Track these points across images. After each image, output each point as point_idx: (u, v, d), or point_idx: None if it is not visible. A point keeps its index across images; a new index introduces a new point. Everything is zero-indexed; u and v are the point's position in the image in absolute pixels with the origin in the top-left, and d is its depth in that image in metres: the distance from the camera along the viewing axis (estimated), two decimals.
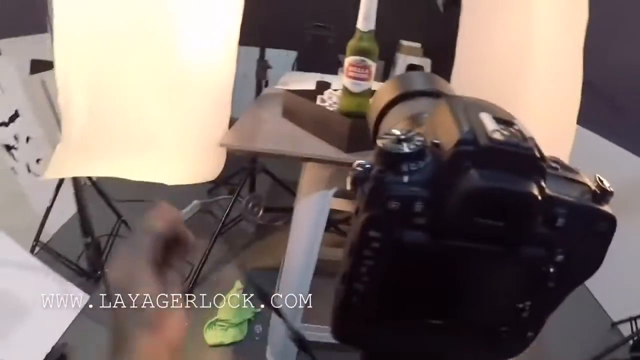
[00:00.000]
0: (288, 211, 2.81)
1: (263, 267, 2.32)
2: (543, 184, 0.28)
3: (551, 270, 0.30)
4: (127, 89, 1.40)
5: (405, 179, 0.28)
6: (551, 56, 1.69)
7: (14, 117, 2.60)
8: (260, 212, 2.48)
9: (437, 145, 0.29)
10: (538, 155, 0.28)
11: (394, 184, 0.28)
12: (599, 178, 0.31)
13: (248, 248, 2.59)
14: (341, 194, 1.69)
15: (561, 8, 1.62)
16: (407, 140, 0.29)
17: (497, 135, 0.27)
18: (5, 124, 2.53)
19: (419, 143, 0.29)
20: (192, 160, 1.59)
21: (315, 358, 0.48)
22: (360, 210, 0.30)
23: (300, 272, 1.58)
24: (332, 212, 1.68)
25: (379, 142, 0.30)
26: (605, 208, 0.30)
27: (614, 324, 2.37)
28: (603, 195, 0.30)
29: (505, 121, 0.29)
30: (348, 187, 0.31)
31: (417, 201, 0.28)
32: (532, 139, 0.28)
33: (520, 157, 0.27)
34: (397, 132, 0.30)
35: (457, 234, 0.28)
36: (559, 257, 0.30)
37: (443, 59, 2.27)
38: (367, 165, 0.30)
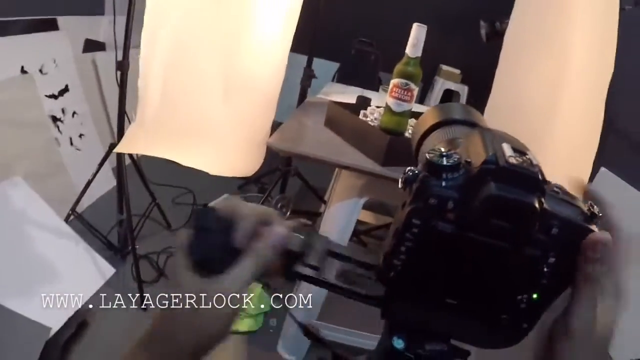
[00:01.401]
0: (314, 215, 2.92)
1: None
2: (542, 199, 0.38)
3: (545, 269, 0.39)
4: (194, 84, 1.53)
5: (443, 183, 0.39)
6: (578, 102, 1.78)
7: (64, 91, 2.71)
8: (288, 214, 2.58)
9: (468, 162, 0.39)
10: (540, 178, 0.38)
11: (434, 186, 0.39)
12: (590, 204, 0.41)
13: None
14: (369, 206, 1.77)
15: (592, 59, 1.71)
16: (447, 156, 0.39)
17: (512, 160, 0.37)
18: (55, 97, 2.65)
19: (456, 159, 0.39)
20: (236, 155, 1.69)
21: (326, 344, 0.55)
22: (407, 203, 0.40)
23: None
24: (357, 222, 1.76)
25: (427, 156, 0.40)
26: (592, 227, 0.40)
27: None
28: (592, 217, 0.40)
29: (520, 151, 0.39)
30: (400, 185, 0.42)
31: (450, 200, 0.38)
32: (537, 165, 0.38)
33: (526, 177, 0.37)
34: (442, 150, 0.40)
35: (476, 229, 0.38)
36: (551, 259, 0.39)
37: (480, 87, 2.34)
38: (416, 171, 0.40)
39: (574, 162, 1.79)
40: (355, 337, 1.86)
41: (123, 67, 2.03)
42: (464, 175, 0.39)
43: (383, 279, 0.43)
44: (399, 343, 0.46)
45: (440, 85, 3.62)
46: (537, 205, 0.37)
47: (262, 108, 1.69)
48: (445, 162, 0.39)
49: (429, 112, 0.56)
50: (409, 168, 0.41)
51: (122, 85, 2.05)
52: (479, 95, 2.16)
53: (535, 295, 0.40)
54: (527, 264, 0.39)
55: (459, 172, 0.39)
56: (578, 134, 1.80)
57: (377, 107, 1.71)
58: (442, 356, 0.46)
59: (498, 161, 0.37)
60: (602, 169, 2.70)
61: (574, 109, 1.79)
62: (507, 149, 0.39)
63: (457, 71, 3.63)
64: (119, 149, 1.71)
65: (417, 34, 1.51)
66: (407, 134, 1.60)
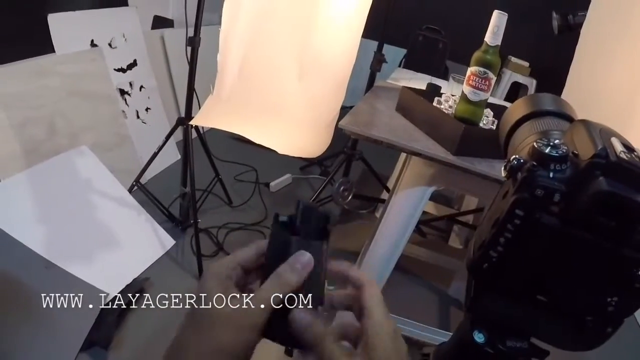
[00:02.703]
0: (375, 201, 2.90)
1: (342, 249, 2.37)
2: None
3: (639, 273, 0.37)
4: (271, 62, 1.54)
5: (551, 174, 0.37)
6: None
7: (132, 65, 2.78)
8: (350, 197, 2.57)
9: (576, 155, 0.38)
10: None
11: (542, 177, 0.37)
12: None
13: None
14: (435, 197, 1.74)
15: None
16: (555, 147, 0.38)
17: (623, 155, 0.36)
18: (123, 70, 2.72)
19: (564, 150, 0.38)
20: (305, 136, 1.70)
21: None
22: (510, 193, 0.39)
23: (383, 260, 1.65)
24: None
25: (535, 145, 0.39)
26: None
27: None
28: None
29: (629, 147, 0.38)
30: (503, 174, 0.41)
31: (557, 193, 0.37)
32: None
33: (637, 175, 0.36)
34: (549, 140, 0.39)
35: (580, 224, 0.37)
36: None
37: (549, 81, 2.26)
38: (522, 160, 0.39)
39: None
40: (409, 327, 1.86)
41: (194, 43, 2.05)
42: (572, 168, 0.38)
43: (475, 270, 0.42)
44: (479, 337, 0.45)
45: (508, 77, 3.51)
46: None
47: (334, 89, 1.69)
48: (554, 153, 0.38)
49: (518, 103, 0.55)
50: (514, 156, 0.39)
51: (192, 61, 2.08)
52: (547, 90, 2.09)
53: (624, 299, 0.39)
54: (624, 266, 0.37)
55: (566, 164, 0.38)
56: None
57: (452, 95, 1.67)
58: (521, 354, 0.45)
59: (609, 156, 0.36)
60: None
61: None
62: (616, 144, 0.37)
63: (526, 64, 3.51)
64: (195, 121, 1.75)
65: (498, 21, 1.46)
66: (481, 124, 1.56)
